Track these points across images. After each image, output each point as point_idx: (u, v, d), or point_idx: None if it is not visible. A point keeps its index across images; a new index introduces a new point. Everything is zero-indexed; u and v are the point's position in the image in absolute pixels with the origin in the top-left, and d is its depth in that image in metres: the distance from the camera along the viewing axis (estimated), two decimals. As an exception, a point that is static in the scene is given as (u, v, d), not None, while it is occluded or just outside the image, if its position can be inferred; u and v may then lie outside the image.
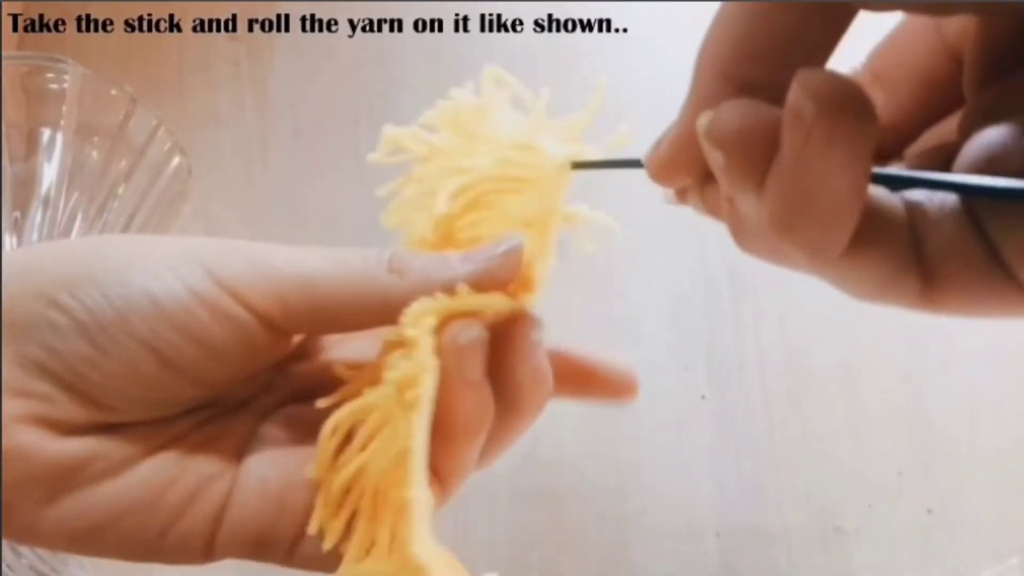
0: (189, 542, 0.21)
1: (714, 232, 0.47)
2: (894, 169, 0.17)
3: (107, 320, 0.19)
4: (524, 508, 0.41)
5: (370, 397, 0.21)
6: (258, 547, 0.21)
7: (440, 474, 0.21)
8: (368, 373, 0.22)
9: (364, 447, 0.21)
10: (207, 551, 0.21)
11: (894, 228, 0.16)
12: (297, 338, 0.24)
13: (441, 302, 0.20)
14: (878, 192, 0.16)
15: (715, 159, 0.16)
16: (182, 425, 0.22)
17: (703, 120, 0.16)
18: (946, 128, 0.19)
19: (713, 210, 0.19)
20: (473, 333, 0.20)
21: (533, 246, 0.23)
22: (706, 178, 0.19)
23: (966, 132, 0.17)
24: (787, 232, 0.15)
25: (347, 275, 0.21)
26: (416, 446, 0.19)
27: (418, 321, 0.20)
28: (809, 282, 0.50)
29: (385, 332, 0.24)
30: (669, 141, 0.19)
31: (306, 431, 0.23)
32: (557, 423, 0.42)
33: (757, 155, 0.15)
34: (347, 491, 0.21)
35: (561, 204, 0.23)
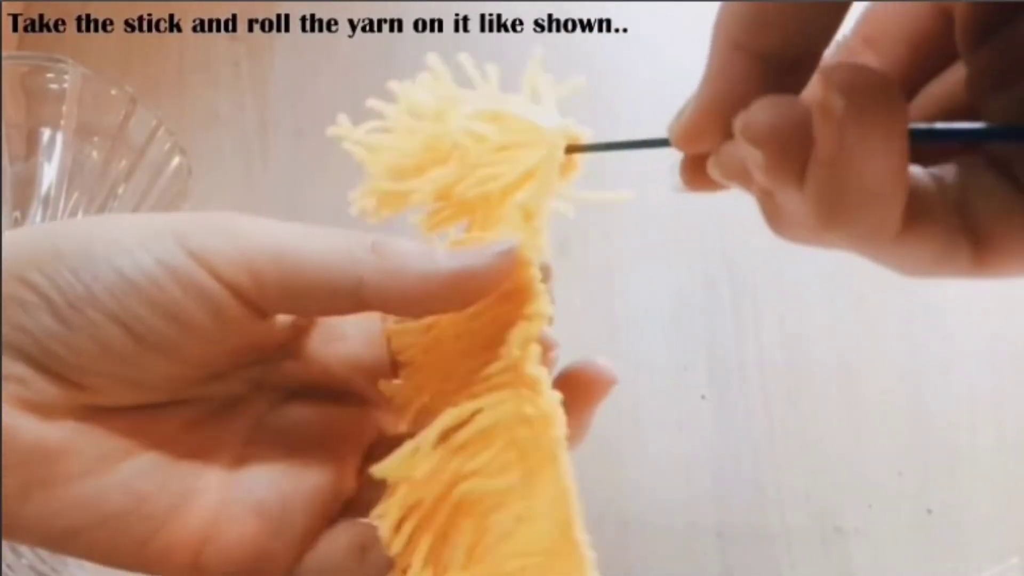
0: (172, 556, 0.20)
1: (714, 232, 0.47)
2: (926, 124, 0.17)
3: (74, 295, 0.18)
4: (524, 508, 0.41)
5: (479, 403, 0.20)
6: (251, 568, 0.20)
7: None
8: (440, 385, 0.22)
9: (459, 451, 0.20)
10: (193, 569, 0.20)
11: (938, 203, 0.16)
12: (282, 320, 0.23)
13: (536, 325, 0.20)
14: (916, 171, 0.16)
15: (754, 158, 0.16)
16: (169, 423, 0.21)
17: (738, 122, 0.16)
18: (939, 86, 0.19)
19: (734, 176, 0.19)
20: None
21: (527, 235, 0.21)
22: (725, 142, 0.19)
23: (976, 90, 0.17)
24: (835, 225, 0.15)
25: (323, 250, 0.20)
26: (573, 489, 0.19)
27: (527, 349, 0.19)
28: (809, 282, 0.50)
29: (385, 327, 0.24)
30: (692, 110, 0.19)
31: (302, 439, 0.22)
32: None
33: (795, 150, 0.15)
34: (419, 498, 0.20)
35: (557, 184, 0.22)
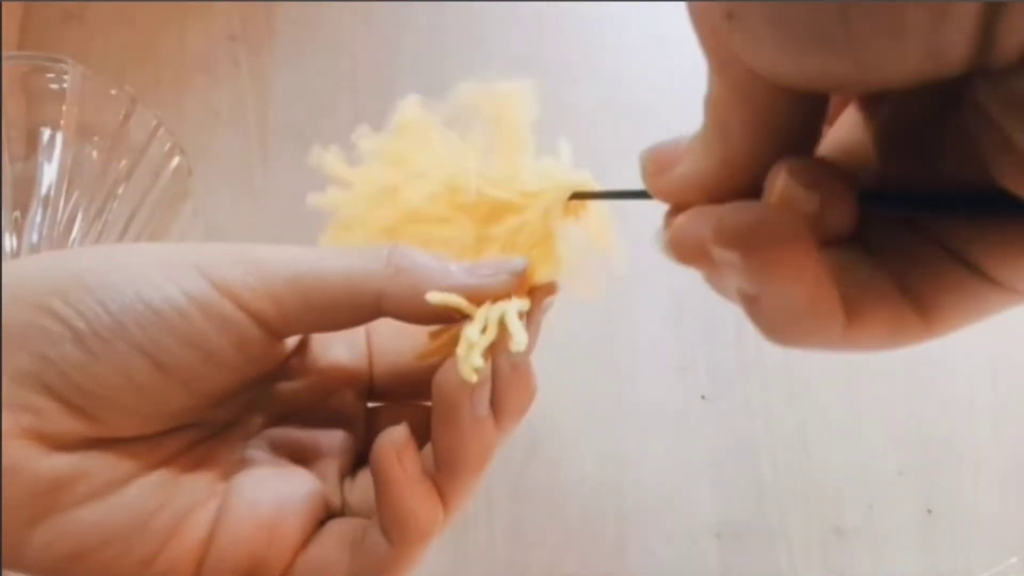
0: (175, 572, 0.20)
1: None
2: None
3: (103, 326, 0.18)
4: (524, 508, 0.41)
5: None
6: (249, 574, 0.21)
7: (448, 502, 0.21)
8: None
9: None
10: None
11: (878, 286, 0.16)
12: (291, 343, 0.24)
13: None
14: (850, 257, 0.16)
15: (728, 260, 0.15)
16: (171, 446, 0.21)
17: (708, 228, 0.16)
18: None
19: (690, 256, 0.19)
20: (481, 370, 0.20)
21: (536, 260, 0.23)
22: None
23: (881, 143, 0.16)
24: (783, 343, 0.16)
25: (341, 270, 0.21)
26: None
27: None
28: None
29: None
30: (683, 177, 0.18)
31: (290, 452, 0.23)
32: (557, 423, 0.42)
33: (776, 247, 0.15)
34: None
35: (556, 227, 0.24)
